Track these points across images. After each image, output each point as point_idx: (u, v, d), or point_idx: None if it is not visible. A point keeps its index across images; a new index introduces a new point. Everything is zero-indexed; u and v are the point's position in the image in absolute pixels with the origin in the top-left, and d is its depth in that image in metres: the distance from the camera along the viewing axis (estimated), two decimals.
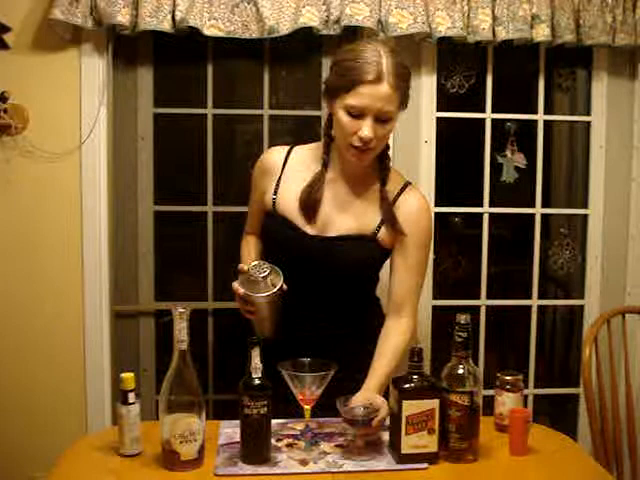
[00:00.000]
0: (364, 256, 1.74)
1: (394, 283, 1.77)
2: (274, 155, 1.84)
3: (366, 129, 1.61)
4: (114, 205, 2.42)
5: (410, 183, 1.80)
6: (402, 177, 1.82)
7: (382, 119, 1.63)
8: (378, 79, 1.59)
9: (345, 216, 1.75)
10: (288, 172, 1.80)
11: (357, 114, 1.61)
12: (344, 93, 1.62)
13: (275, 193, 1.78)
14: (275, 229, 1.78)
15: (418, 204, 1.78)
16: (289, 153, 1.82)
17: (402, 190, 1.77)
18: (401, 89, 1.64)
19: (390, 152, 1.82)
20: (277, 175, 1.80)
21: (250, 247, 1.90)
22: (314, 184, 1.75)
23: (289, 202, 1.76)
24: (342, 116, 1.63)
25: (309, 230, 1.75)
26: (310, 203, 1.74)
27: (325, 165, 1.77)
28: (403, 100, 1.67)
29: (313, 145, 1.84)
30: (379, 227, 1.74)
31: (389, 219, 1.73)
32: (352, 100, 1.60)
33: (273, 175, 1.80)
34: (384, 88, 1.60)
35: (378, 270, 1.83)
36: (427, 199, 1.84)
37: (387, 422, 1.56)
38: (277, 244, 1.79)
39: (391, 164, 1.80)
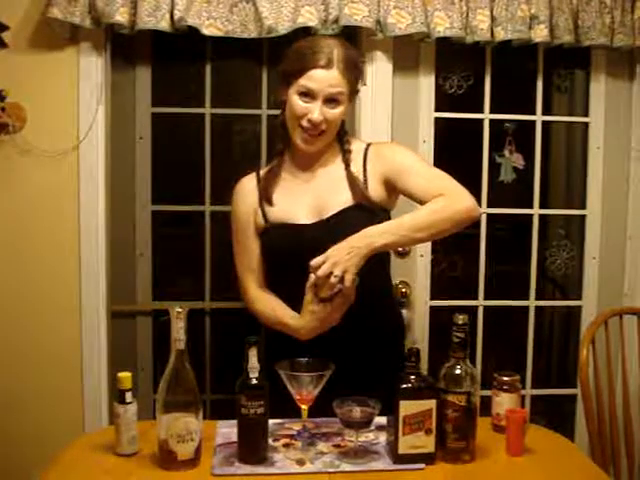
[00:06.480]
0: (366, 221, 1.76)
1: (421, 196, 1.78)
2: (247, 182, 1.94)
3: (316, 112, 1.75)
4: (112, 204, 2.41)
5: (370, 143, 1.92)
6: (361, 143, 1.93)
7: (331, 102, 1.76)
8: (328, 65, 1.74)
9: (332, 196, 1.82)
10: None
11: (308, 97, 1.75)
12: (297, 77, 1.76)
13: (262, 206, 1.87)
14: (275, 234, 1.84)
15: (385, 145, 1.96)
16: (258, 175, 1.93)
17: (367, 148, 1.88)
18: (349, 77, 1.78)
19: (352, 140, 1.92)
20: (257, 194, 1.89)
21: (273, 299, 1.86)
22: (270, 170, 1.90)
23: (277, 206, 1.86)
24: (294, 99, 1.77)
25: (306, 221, 1.81)
26: (268, 185, 1.87)
27: (281, 154, 1.89)
28: (352, 88, 1.81)
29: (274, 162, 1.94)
30: (364, 191, 1.82)
31: (360, 198, 1.81)
32: (304, 82, 1.75)
33: (254, 196, 1.90)
34: (333, 73, 1.74)
35: None
36: None
37: (384, 421, 1.56)
38: (282, 247, 1.82)
39: (352, 147, 1.88)
